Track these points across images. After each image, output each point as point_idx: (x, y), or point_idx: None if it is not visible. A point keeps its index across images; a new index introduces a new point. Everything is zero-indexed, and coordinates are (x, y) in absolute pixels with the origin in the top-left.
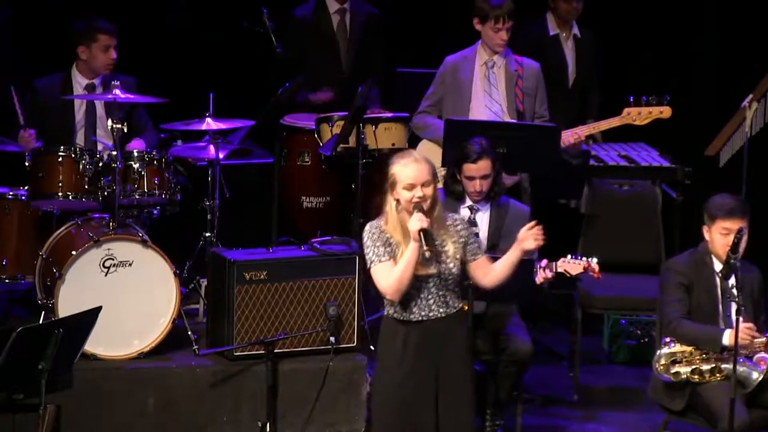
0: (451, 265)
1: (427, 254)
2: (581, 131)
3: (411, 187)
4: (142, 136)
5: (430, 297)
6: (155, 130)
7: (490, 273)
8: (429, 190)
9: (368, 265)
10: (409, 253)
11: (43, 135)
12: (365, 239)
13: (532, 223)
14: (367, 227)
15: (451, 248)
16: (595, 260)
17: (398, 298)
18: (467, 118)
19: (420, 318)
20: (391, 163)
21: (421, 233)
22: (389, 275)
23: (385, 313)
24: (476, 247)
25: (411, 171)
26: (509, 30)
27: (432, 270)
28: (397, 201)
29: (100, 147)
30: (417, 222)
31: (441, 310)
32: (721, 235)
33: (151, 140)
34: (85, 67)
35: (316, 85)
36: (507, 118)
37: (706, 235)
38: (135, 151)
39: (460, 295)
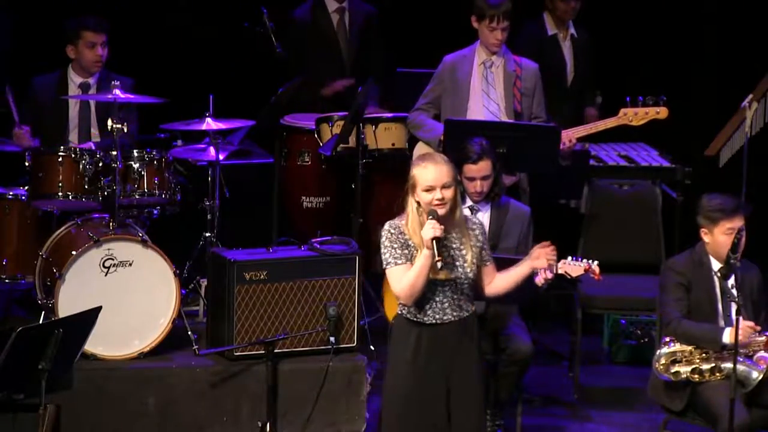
0: (468, 270)
1: (439, 264)
2: (574, 134)
3: (431, 189)
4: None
5: (445, 301)
6: (137, 126)
7: (494, 282)
8: (449, 193)
9: (383, 266)
10: (422, 260)
11: (39, 133)
12: (383, 239)
13: (548, 242)
14: (387, 226)
15: (469, 254)
16: (596, 262)
17: (411, 302)
18: (465, 117)
19: (433, 321)
20: (413, 165)
21: (434, 242)
22: (403, 279)
23: (398, 311)
24: (488, 254)
25: (430, 173)
26: (505, 30)
27: (450, 275)
28: (418, 203)
29: (93, 145)
30: (430, 230)
31: (455, 313)
32: (726, 236)
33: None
34: (77, 65)
35: (317, 83)
36: (504, 118)
37: (706, 238)
38: (135, 151)
39: (473, 298)
